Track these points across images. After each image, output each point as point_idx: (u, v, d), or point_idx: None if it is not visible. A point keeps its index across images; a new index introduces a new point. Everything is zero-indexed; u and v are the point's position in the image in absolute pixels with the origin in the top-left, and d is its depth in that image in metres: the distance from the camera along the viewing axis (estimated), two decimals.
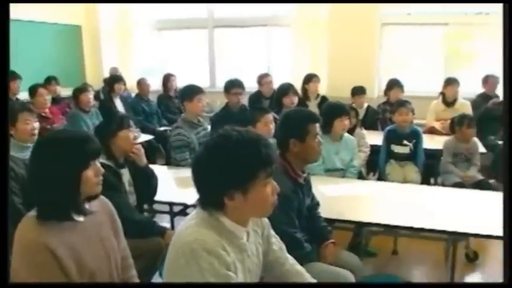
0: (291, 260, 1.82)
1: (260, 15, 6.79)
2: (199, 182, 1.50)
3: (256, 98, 5.45)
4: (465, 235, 3.07)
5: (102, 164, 1.73)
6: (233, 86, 4.29)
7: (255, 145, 1.47)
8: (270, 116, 3.51)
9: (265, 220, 1.73)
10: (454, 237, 3.02)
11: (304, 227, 2.32)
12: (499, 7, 5.74)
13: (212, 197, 1.47)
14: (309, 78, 5.46)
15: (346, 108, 3.61)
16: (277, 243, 1.78)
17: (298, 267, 1.84)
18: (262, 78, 5.55)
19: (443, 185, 4.06)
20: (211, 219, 1.48)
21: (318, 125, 2.28)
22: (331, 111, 3.57)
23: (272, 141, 1.97)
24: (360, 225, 3.09)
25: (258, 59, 6.99)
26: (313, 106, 5.12)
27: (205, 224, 1.47)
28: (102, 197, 1.80)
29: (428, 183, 4.31)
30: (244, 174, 1.45)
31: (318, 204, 2.52)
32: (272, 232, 1.77)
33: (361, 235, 3.30)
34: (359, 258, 2.68)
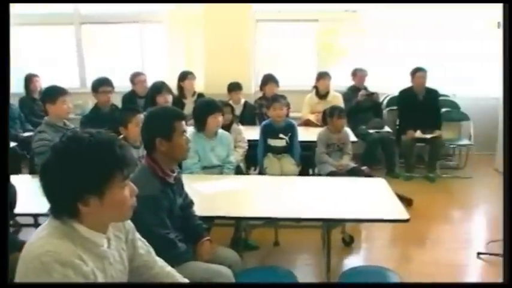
0: (160, 262, 1.81)
1: (131, 11, 6.61)
2: (49, 189, 1.41)
3: (129, 97, 5.32)
4: (340, 221, 3.32)
5: None
6: (101, 84, 4.14)
7: (109, 147, 1.43)
8: (142, 116, 3.44)
9: (129, 224, 1.69)
10: (330, 224, 3.24)
11: (177, 227, 2.32)
12: (365, 6, 6.26)
13: (65, 205, 1.40)
14: (185, 76, 5.46)
15: (218, 105, 3.66)
16: (145, 247, 1.76)
17: (169, 268, 1.83)
18: (136, 77, 5.44)
19: (319, 175, 4.33)
20: (64, 227, 1.41)
21: (184, 122, 2.29)
22: (204, 108, 3.61)
23: None
24: (239, 220, 3.16)
25: (131, 57, 6.79)
26: (189, 104, 5.13)
27: (58, 234, 1.39)
28: None
29: (307, 174, 4.57)
30: (99, 178, 1.40)
31: (191, 202, 2.54)
32: (138, 236, 1.74)
33: (239, 230, 3.38)
34: (241, 252, 2.76)
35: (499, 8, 6.18)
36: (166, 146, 2.22)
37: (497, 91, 6.09)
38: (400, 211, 2.72)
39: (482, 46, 6.40)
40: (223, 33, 6.31)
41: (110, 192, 1.42)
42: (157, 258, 1.80)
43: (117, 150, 1.43)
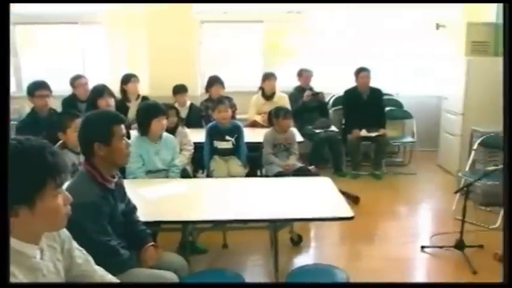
0: (100, 271, 1.77)
1: (69, 12, 6.39)
2: None
3: (70, 101, 5.16)
4: (286, 221, 3.36)
5: None
6: (37, 88, 4.00)
7: (39, 154, 1.37)
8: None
9: (65, 233, 1.64)
10: (276, 224, 3.27)
11: (120, 234, 2.28)
12: (309, 7, 6.37)
13: None
14: (128, 79, 5.37)
15: (162, 108, 3.63)
16: (83, 256, 1.71)
17: (109, 277, 1.80)
18: (76, 80, 5.29)
19: (266, 175, 4.37)
20: None
21: (123, 126, 2.25)
22: (147, 111, 3.57)
23: None
24: (186, 224, 3.14)
25: (71, 60, 6.59)
26: (134, 107, 5.04)
27: None
28: None
29: (255, 175, 4.60)
30: (29, 187, 1.34)
31: (134, 208, 2.50)
32: (75, 245, 1.69)
33: (186, 234, 3.35)
34: (189, 256, 2.73)
35: (438, 9, 6.51)
36: (105, 150, 2.17)
37: (438, 89, 6.38)
38: (344, 209, 2.78)
39: (423, 46, 6.68)
40: (167, 34, 6.25)
41: (41, 201, 1.36)
42: (97, 267, 1.76)
43: (48, 157, 1.38)
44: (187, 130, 4.49)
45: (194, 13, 6.34)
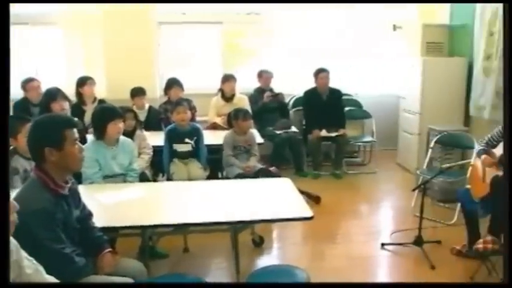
0: (51, 279, 1.72)
1: (21, 12, 6.19)
2: None
3: (22, 105, 5.02)
4: (245, 223, 3.37)
5: None
6: None
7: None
8: None
9: (13, 243, 1.59)
10: (238, 227, 3.27)
11: (75, 241, 2.23)
12: (269, 8, 6.41)
13: None
14: (83, 81, 5.26)
15: (118, 111, 3.58)
16: (33, 266, 1.67)
17: None
18: (27, 83, 5.15)
19: (227, 178, 4.36)
20: None
21: (75, 130, 2.19)
22: (103, 115, 3.51)
23: None
24: (144, 229, 3.10)
25: (22, 62, 6.37)
26: (90, 111, 4.92)
27: None
28: None
29: (216, 178, 4.59)
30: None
31: (90, 214, 2.44)
32: (24, 254, 1.64)
33: (145, 238, 3.31)
34: (149, 261, 2.69)
35: (395, 11, 6.69)
36: (57, 155, 2.11)
37: (396, 89, 6.54)
38: (304, 209, 2.81)
39: (381, 47, 6.84)
40: (124, 36, 6.14)
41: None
42: (48, 277, 1.72)
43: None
44: (146, 133, 4.45)
45: (152, 14, 6.27)
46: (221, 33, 6.68)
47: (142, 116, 5.07)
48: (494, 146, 3.52)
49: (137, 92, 5.23)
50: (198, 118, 5.38)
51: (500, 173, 3.36)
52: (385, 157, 6.48)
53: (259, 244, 3.91)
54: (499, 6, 5.10)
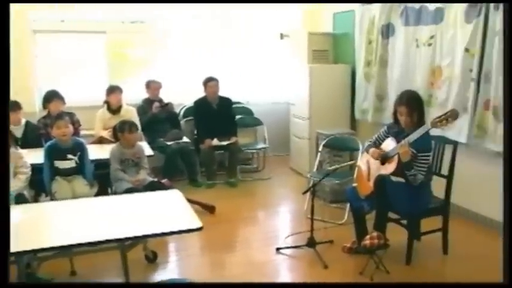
0: None
1: None
2: None
3: None
4: (133, 239, 3.25)
5: None
6: None
7: None
8: None
9: None
10: (125, 244, 3.16)
11: None
12: (154, 16, 6.31)
13: None
14: None
15: None
16: None
17: None
18: None
19: (116, 193, 4.21)
20: None
21: None
22: None
23: None
24: (19, 255, 2.88)
25: None
26: None
27: None
28: None
29: (107, 194, 4.41)
30: None
31: None
32: None
33: (21, 266, 3.06)
34: None
35: (282, 19, 6.95)
36: None
37: (286, 96, 6.77)
38: (193, 220, 2.80)
39: (271, 55, 7.06)
40: None
41: None
42: None
43: None
44: (23, 151, 4.17)
45: (25, 22, 5.88)
46: (106, 42, 6.45)
47: (18, 133, 4.74)
48: (381, 144, 3.78)
49: (12, 107, 4.85)
50: (83, 132, 5.15)
51: (383, 172, 3.61)
52: (278, 162, 6.67)
53: (153, 260, 3.81)
54: (376, 15, 5.51)
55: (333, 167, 4.14)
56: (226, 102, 6.17)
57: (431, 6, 4.74)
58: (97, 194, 4.12)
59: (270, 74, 7.11)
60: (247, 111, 6.75)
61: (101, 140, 5.16)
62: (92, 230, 2.75)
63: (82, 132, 5.09)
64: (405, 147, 3.39)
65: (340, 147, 5.25)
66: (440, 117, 3.32)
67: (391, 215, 3.72)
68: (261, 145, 6.52)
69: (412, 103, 3.57)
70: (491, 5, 4.07)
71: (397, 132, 3.68)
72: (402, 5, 5.15)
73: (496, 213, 4.31)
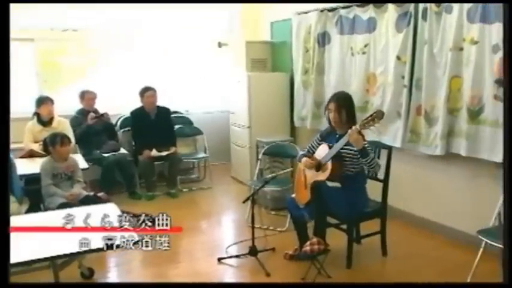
0: None
1: None
2: None
3: None
4: (73, 255, 3.13)
5: None
6: None
7: None
8: None
9: None
10: (57, 262, 3.02)
11: None
12: (86, 25, 6.12)
13: None
14: None
15: None
16: None
17: None
18: None
19: (49, 209, 4.03)
20: None
21: None
22: None
23: None
24: None
25: None
26: None
27: None
28: None
29: (37, 211, 4.21)
30: None
31: None
32: None
33: None
34: None
35: (219, 28, 6.97)
36: None
37: (225, 105, 6.77)
38: (129, 234, 2.71)
39: (210, 64, 7.06)
40: None
41: None
42: None
43: None
44: None
45: None
46: (34, 51, 6.19)
47: None
48: (314, 153, 3.83)
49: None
50: (11, 146, 4.88)
51: (319, 178, 3.66)
52: (219, 171, 6.64)
53: (89, 277, 3.67)
54: (312, 23, 5.61)
55: (271, 175, 4.17)
56: (164, 112, 6.08)
57: (365, 16, 4.88)
58: (28, 211, 3.92)
59: (209, 82, 7.10)
60: (187, 121, 6.69)
61: (31, 154, 4.94)
62: (21, 249, 2.59)
63: (13, 146, 4.84)
64: (354, 135, 3.36)
65: (280, 155, 5.29)
66: (367, 118, 3.39)
67: (331, 220, 3.78)
68: (201, 154, 6.46)
69: (340, 99, 3.66)
70: (420, 14, 4.26)
71: (329, 133, 3.75)
72: (337, 14, 5.28)
73: (429, 213, 4.50)
